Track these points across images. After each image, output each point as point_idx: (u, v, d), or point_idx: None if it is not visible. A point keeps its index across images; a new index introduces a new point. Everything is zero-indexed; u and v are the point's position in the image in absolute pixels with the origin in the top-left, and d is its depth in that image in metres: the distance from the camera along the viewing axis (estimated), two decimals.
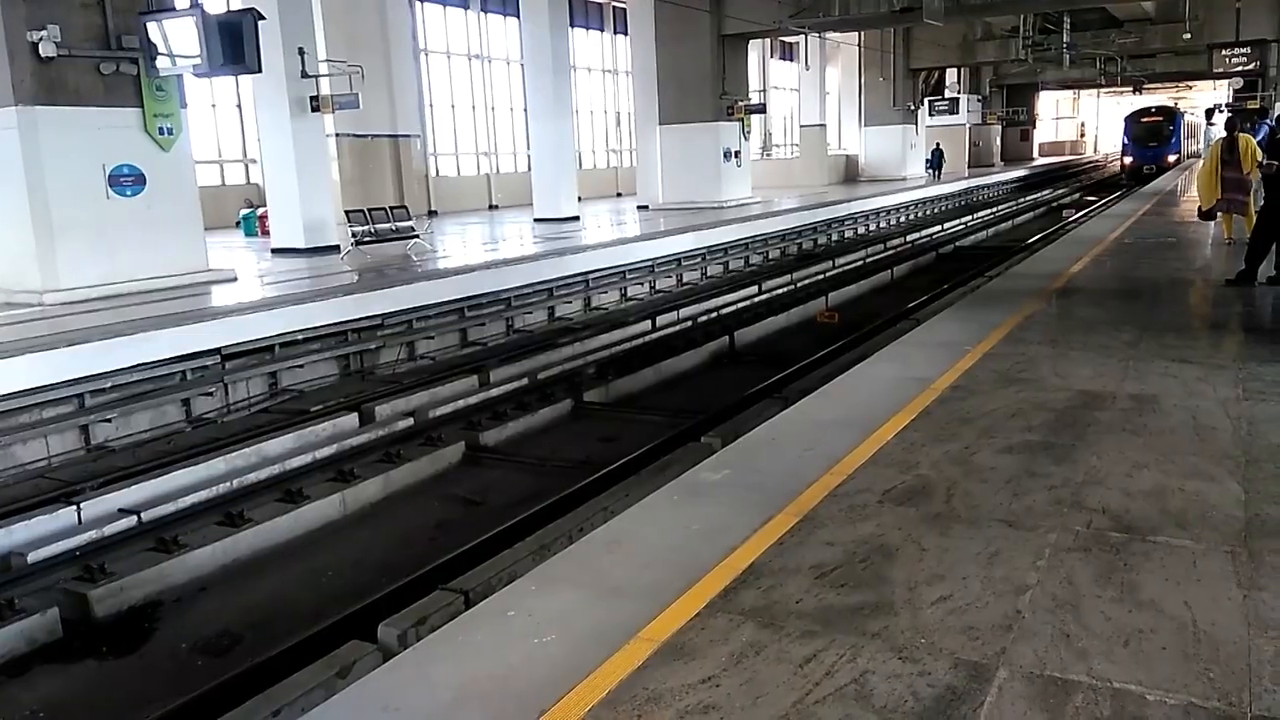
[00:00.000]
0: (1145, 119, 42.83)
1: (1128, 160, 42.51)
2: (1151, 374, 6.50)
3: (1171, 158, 41.73)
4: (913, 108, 37.87)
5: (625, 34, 29.15)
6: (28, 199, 10.73)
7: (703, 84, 24.01)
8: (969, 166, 45.55)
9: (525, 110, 24.29)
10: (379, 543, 7.35)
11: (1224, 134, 12.03)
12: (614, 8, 33.58)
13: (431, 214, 25.21)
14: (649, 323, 13.94)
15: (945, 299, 13.29)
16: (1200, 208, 13.17)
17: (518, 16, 24.05)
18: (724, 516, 4.31)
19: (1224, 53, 29.96)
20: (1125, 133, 43.40)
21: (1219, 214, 12.94)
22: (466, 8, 28.81)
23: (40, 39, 10.40)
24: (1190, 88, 59.36)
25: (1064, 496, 4.40)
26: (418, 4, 26.73)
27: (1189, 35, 29.06)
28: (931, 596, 3.50)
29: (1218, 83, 49.45)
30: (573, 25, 27.43)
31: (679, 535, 4.16)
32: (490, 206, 28.99)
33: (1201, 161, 14.58)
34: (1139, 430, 5.35)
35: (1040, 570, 3.68)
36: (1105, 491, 4.45)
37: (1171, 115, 43.58)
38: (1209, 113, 38.58)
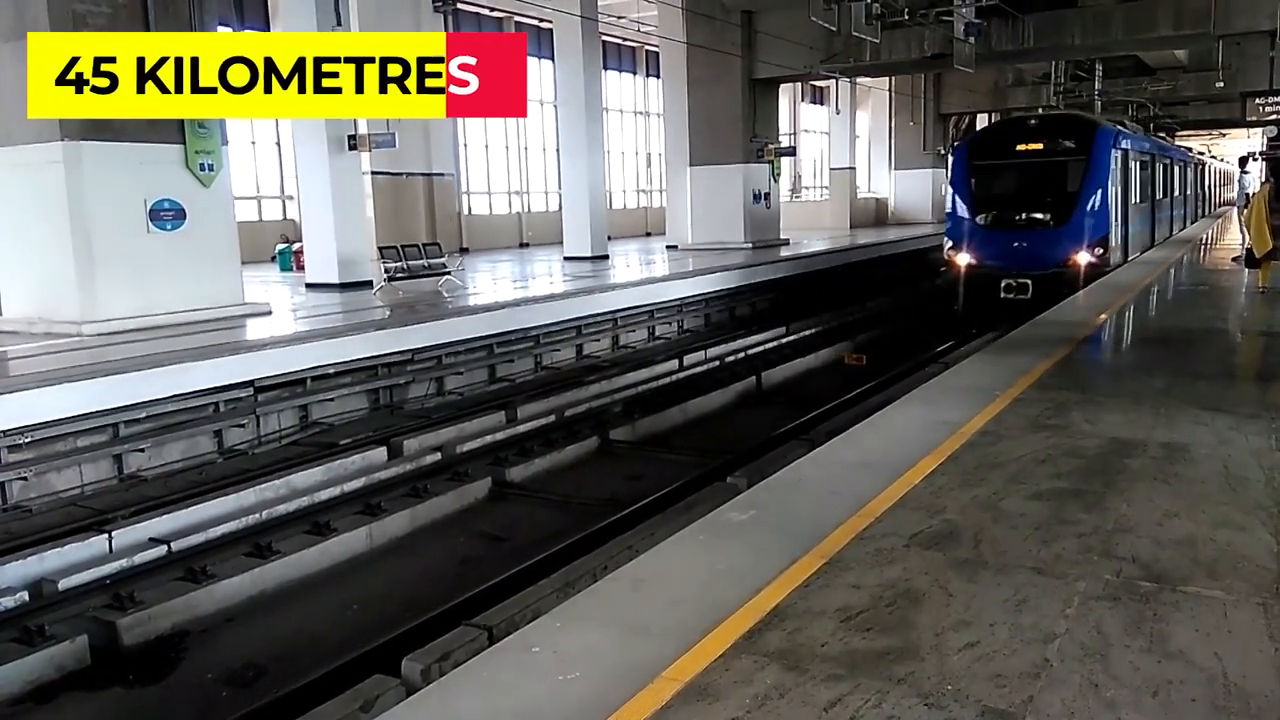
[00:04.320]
0: (1018, 148, 16.03)
1: (964, 259, 15.75)
2: (1183, 422, 6.44)
3: (1095, 255, 15.17)
4: (943, 152, 37.92)
5: (657, 77, 29.46)
6: (70, 231, 10.97)
7: (733, 126, 24.20)
8: None
9: (557, 150, 24.57)
10: (404, 577, 7.38)
11: (1269, 180, 12.06)
12: (646, 51, 33.98)
13: (463, 251, 25.45)
14: (676, 361, 13.98)
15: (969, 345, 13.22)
16: (1251, 250, 13.11)
17: (552, 59, 24.40)
18: (749, 557, 4.30)
19: (1257, 101, 29.78)
20: (957, 185, 16.36)
21: (1264, 264, 12.90)
22: None
23: None
24: (1224, 135, 58.92)
25: (1093, 544, 4.36)
26: None
27: (1221, 84, 28.94)
28: (959, 643, 3.48)
29: (1251, 131, 48.01)
30: (605, 68, 27.80)
31: (704, 575, 4.15)
32: (521, 244, 29.24)
33: (1246, 210, 14.60)
34: (1170, 479, 5.30)
35: (1069, 618, 3.64)
36: (1135, 540, 4.41)
37: (1087, 134, 15.72)
38: (1243, 161, 37.70)
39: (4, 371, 9.11)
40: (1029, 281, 14.61)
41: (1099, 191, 14.98)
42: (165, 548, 7.20)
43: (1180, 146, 34.07)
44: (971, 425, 6.44)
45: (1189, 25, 19.98)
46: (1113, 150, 15.21)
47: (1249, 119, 32.95)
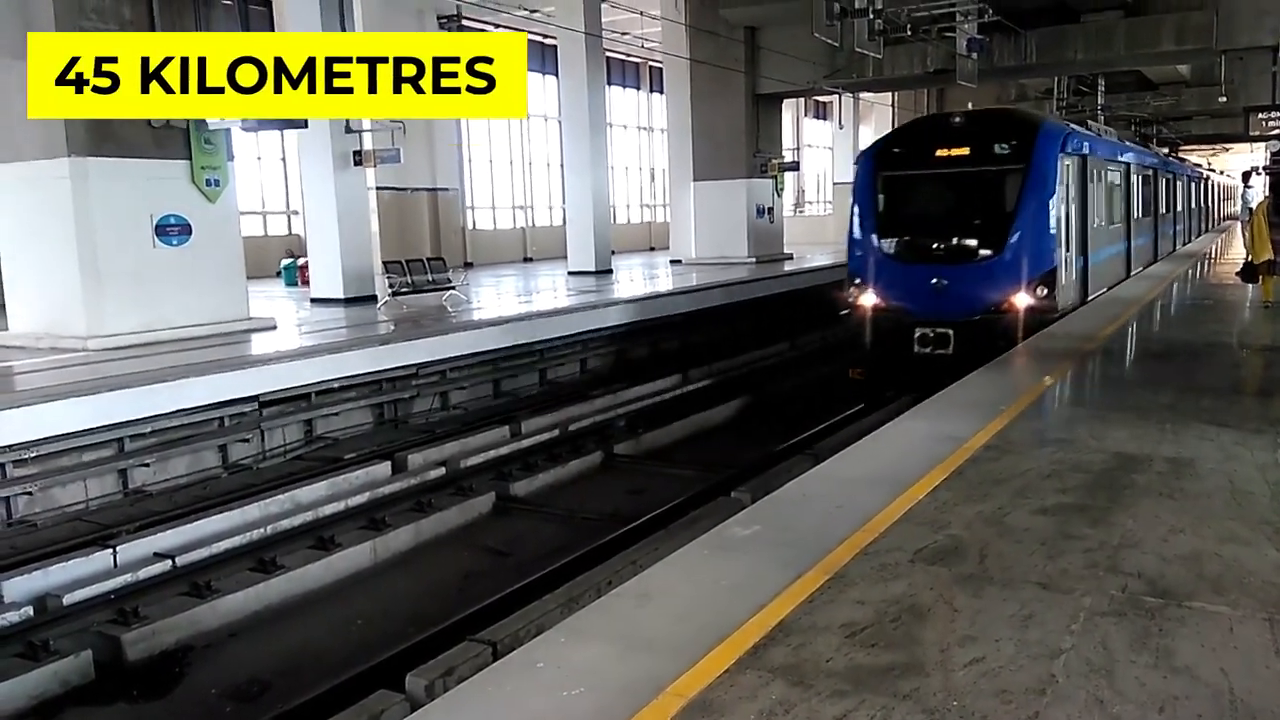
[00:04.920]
0: (938, 154, 11.93)
1: (869, 300, 11.82)
2: (1188, 437, 6.43)
3: (1038, 296, 11.21)
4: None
5: (660, 92, 29.60)
6: (76, 246, 11.01)
7: (736, 141, 24.28)
8: None
9: (562, 165, 24.67)
10: (408, 592, 7.38)
11: (1268, 195, 12.09)
12: (650, 67, 34.12)
13: (467, 266, 25.52)
14: (680, 376, 13.98)
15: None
16: (1249, 260, 13.09)
17: (556, 75, 24.53)
18: (754, 572, 4.29)
19: (1260, 116, 29.83)
20: (861, 202, 12.31)
21: (1262, 276, 12.86)
22: None
23: None
24: (1227, 149, 58.98)
25: (1099, 559, 4.35)
26: None
27: (1224, 99, 28.99)
28: (964, 658, 3.47)
29: (1254, 145, 48.05)
30: (609, 84, 27.94)
31: (709, 590, 4.14)
32: (525, 259, 29.32)
33: (1244, 222, 14.57)
34: (1175, 494, 5.29)
35: (1074, 634, 3.63)
36: (1141, 555, 4.40)
37: (1027, 135, 11.62)
38: (1245, 175, 37.65)
39: (10, 386, 9.14)
40: (949, 332, 11.04)
41: (1044, 211, 11.27)
42: (170, 562, 7.20)
43: (1172, 156, 30.26)
44: (976, 440, 6.44)
45: (1191, 40, 20.05)
46: (1061, 157, 11.61)
47: (1252, 134, 32.99)
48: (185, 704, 5.92)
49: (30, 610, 6.45)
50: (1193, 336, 11.01)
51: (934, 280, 11.19)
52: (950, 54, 19.98)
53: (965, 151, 11.58)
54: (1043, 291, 11.13)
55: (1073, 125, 13.65)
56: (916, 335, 11.19)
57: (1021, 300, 11.01)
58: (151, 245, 11.52)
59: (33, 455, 8.22)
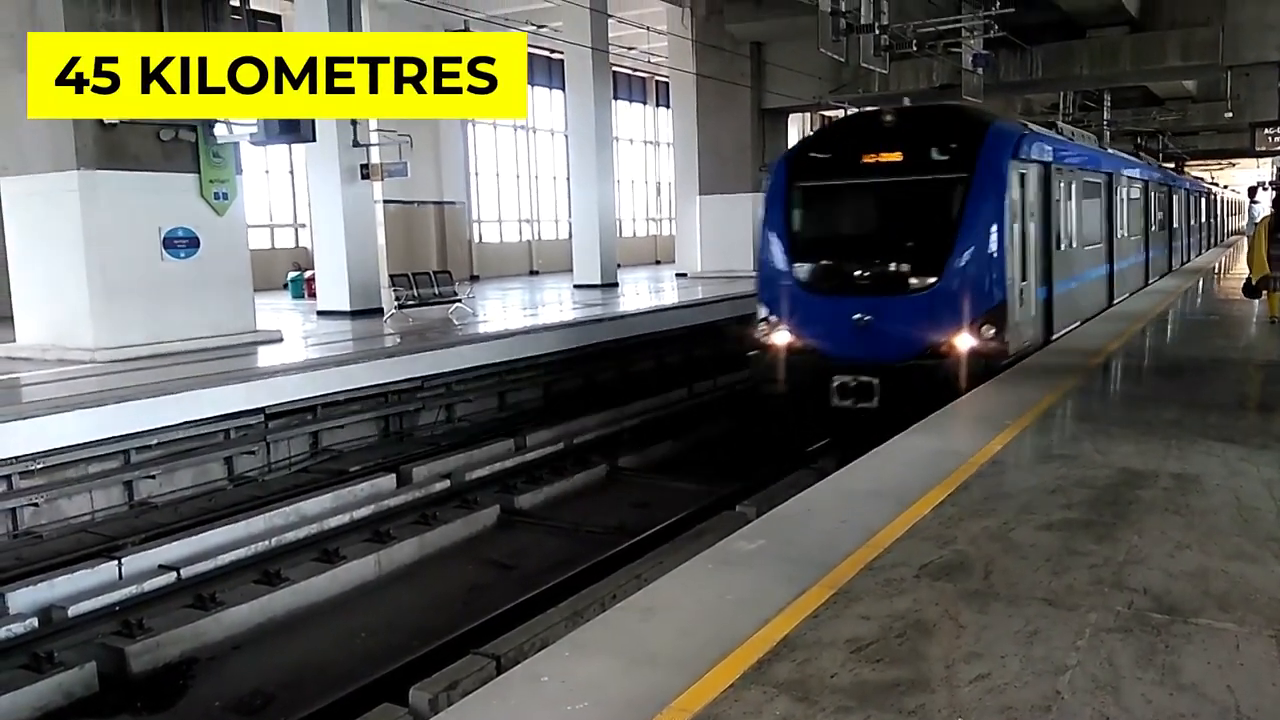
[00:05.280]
0: (865, 161, 9.94)
1: (781, 338, 9.86)
2: (1194, 453, 6.41)
3: (984, 337, 9.25)
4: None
5: (667, 106, 29.70)
6: (84, 259, 11.06)
7: (742, 156, 24.36)
8: None
9: (568, 179, 24.74)
10: (413, 605, 7.37)
11: (1273, 210, 12.03)
12: (656, 82, 34.25)
13: (473, 279, 25.58)
14: (685, 390, 13.99)
15: None
16: (1250, 279, 13.08)
17: (563, 89, 24.64)
18: (758, 587, 4.29)
19: (1266, 131, 29.84)
20: (772, 219, 10.26)
21: (1265, 291, 12.83)
22: None
23: None
24: (1233, 165, 59.00)
25: (1105, 576, 4.34)
26: None
27: (1230, 114, 29.02)
28: (969, 675, 3.46)
29: (1260, 161, 48.01)
30: (616, 98, 28.03)
31: (713, 605, 4.14)
32: (531, 272, 29.38)
33: (1248, 238, 14.54)
34: (1181, 510, 5.27)
35: (1080, 650, 3.62)
36: (1147, 571, 4.38)
37: (972, 137, 9.73)
38: (1251, 191, 37.58)
39: (17, 398, 9.17)
40: (874, 381, 9.14)
41: (992, 230, 9.33)
42: (175, 574, 7.21)
43: (1166, 168, 27.14)
44: (981, 455, 6.43)
45: (1197, 56, 20.08)
46: (1014, 164, 9.71)
47: (1258, 149, 32.97)
48: (188, 717, 5.91)
49: (35, 621, 6.46)
50: (1198, 352, 11.00)
51: (856, 316, 9.23)
52: (956, 69, 20.03)
53: (897, 157, 9.66)
54: (989, 331, 9.18)
55: (1032, 126, 11.61)
56: (834, 384, 9.26)
57: (963, 342, 9.08)
58: (159, 258, 11.57)
59: (39, 466, 8.24)
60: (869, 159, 9.75)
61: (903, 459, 6.51)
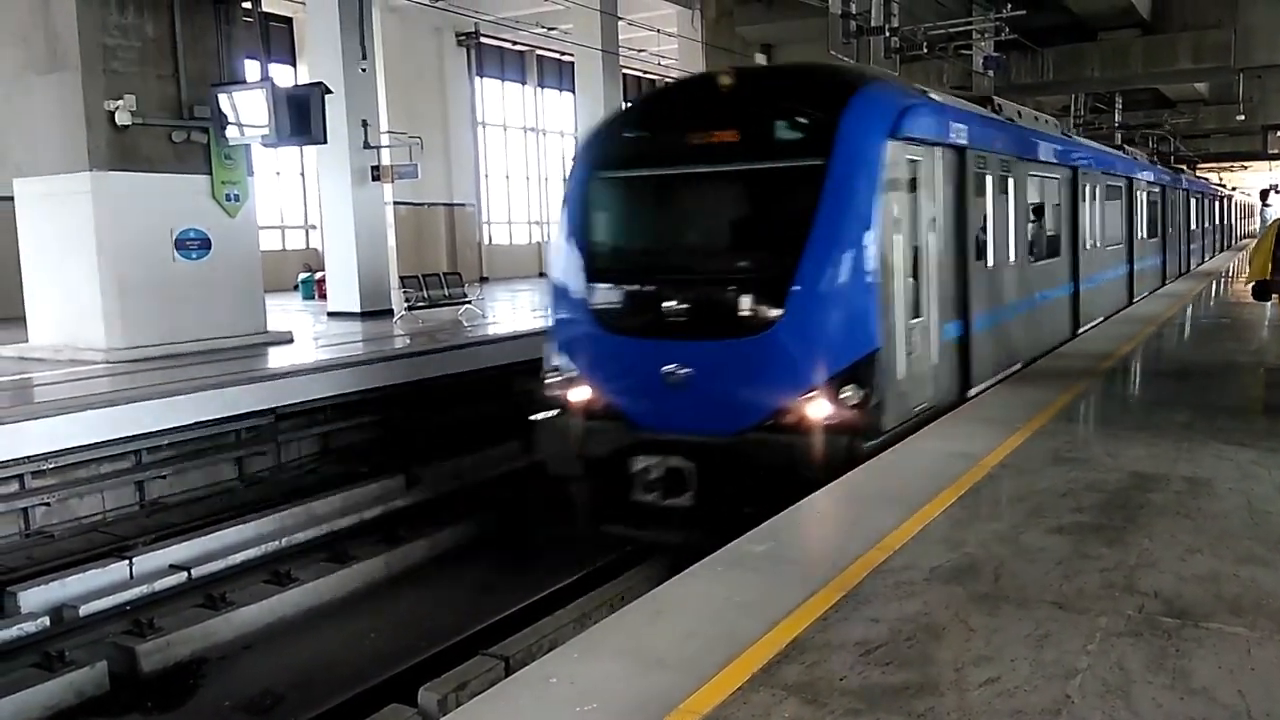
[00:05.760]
0: (691, 143, 7.07)
1: (578, 395, 7.00)
2: (1205, 456, 6.38)
3: (846, 403, 6.37)
4: None
5: None
6: (97, 260, 11.12)
7: None
8: None
9: None
10: (422, 605, 7.38)
11: None
12: (667, 84, 34.26)
13: (483, 280, 25.64)
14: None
15: None
16: (1261, 282, 12.99)
17: (573, 91, 24.68)
18: (768, 589, 4.28)
19: (1279, 134, 29.75)
20: (570, 224, 7.43)
21: (1276, 295, 12.76)
22: (524, 83, 29.65)
23: (117, 108, 10.87)
24: (1245, 168, 58.74)
25: (1115, 579, 4.32)
26: (477, 79, 27.54)
27: (1243, 117, 28.95)
28: (979, 678, 3.45)
29: (1273, 164, 47.69)
30: (625, 100, 28.00)
31: (722, 607, 4.13)
32: (540, 274, 29.43)
33: (1256, 240, 14.39)
34: (1192, 513, 5.25)
35: (1090, 654, 3.61)
36: (1158, 575, 4.36)
37: (831, 107, 6.71)
38: (1264, 194, 37.41)
39: (29, 398, 9.21)
40: (688, 467, 6.57)
41: (859, 243, 6.55)
42: (185, 574, 7.24)
43: (1157, 164, 22.78)
44: (991, 458, 6.41)
45: (1209, 59, 20.03)
46: (892, 145, 6.82)
47: (1270, 152, 32.88)
48: (198, 716, 5.94)
49: (47, 621, 6.49)
50: (1209, 355, 10.96)
51: (666, 368, 6.53)
52: (967, 71, 20.03)
53: (731, 136, 6.93)
54: (852, 394, 6.37)
55: (933, 95, 8.46)
56: (635, 466, 6.62)
57: (817, 410, 6.33)
58: (171, 259, 11.62)
59: (51, 466, 8.28)
60: (696, 140, 7.04)
61: (912, 462, 6.49)
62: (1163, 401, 8.37)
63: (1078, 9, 20.40)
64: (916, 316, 7.22)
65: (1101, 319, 13.39)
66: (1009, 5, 17.77)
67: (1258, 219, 46.82)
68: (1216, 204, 34.64)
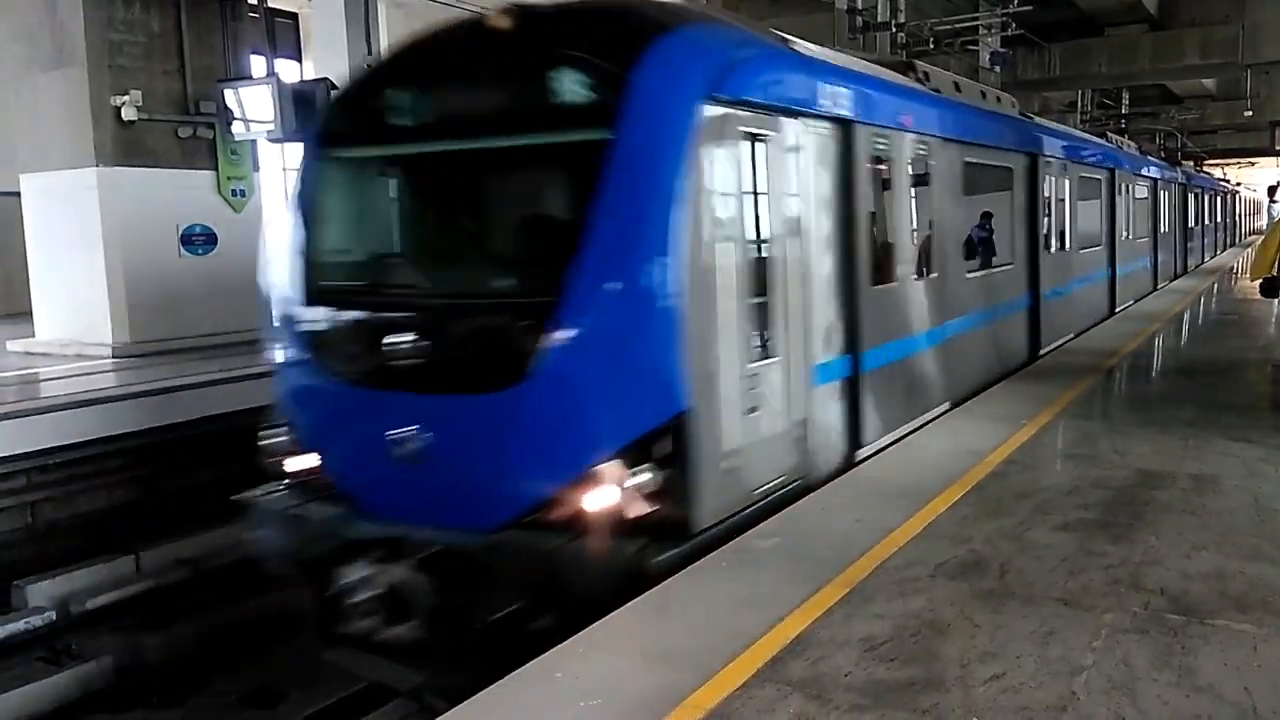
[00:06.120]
0: (444, 109, 5.19)
1: (302, 464, 5.12)
2: (1211, 453, 6.38)
3: (619, 488, 4.33)
4: None
5: None
6: (103, 255, 11.12)
7: None
8: None
9: None
10: None
11: None
12: None
13: None
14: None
15: None
16: (1269, 279, 12.96)
17: None
18: (773, 585, 4.28)
19: None
20: (294, 223, 5.43)
21: None
22: None
23: (123, 104, 10.88)
24: (1253, 164, 58.55)
25: (1121, 576, 4.32)
26: None
27: (1250, 113, 28.84)
28: (984, 674, 3.45)
29: None
30: None
31: (727, 602, 4.14)
32: None
33: (1264, 237, 14.32)
34: (1198, 510, 5.24)
35: (1096, 651, 3.61)
36: (1163, 572, 4.36)
37: (628, 48, 4.64)
38: (1271, 190, 37.28)
39: (35, 394, 9.23)
40: (417, 581, 4.67)
41: (662, 255, 4.49)
42: (191, 569, 7.26)
43: (1135, 148, 20.56)
44: (997, 454, 6.41)
45: (1217, 54, 19.97)
46: (711, 111, 4.80)
47: (1278, 148, 32.77)
48: (205, 710, 5.95)
49: (53, 615, 6.51)
50: (1215, 352, 10.93)
51: (392, 434, 4.72)
52: (974, 67, 19.97)
53: (490, 103, 5.17)
54: (649, 478, 4.51)
55: (797, 46, 6.43)
56: (344, 579, 4.76)
57: (597, 499, 4.43)
58: (177, 254, 11.62)
59: (56, 462, 8.28)
60: (445, 106, 5.29)
61: (918, 459, 6.49)
62: (1169, 398, 8.36)
63: (1085, 4, 20.36)
64: (766, 357, 5.26)
65: (1072, 335, 11.69)
66: (1015, 1, 17.72)
67: (1264, 215, 46.67)
68: (1219, 199, 34.33)
